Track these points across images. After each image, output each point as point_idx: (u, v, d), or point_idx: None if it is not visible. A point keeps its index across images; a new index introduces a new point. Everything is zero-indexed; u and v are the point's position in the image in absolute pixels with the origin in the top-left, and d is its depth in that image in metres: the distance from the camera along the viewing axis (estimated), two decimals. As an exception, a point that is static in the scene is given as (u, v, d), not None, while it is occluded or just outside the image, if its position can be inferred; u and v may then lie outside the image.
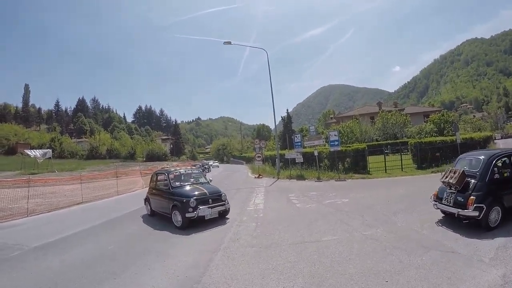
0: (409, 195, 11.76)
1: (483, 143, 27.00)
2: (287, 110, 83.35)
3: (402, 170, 19.64)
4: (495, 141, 45.72)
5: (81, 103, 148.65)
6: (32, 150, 51.40)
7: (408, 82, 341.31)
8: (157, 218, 11.08)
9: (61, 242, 8.45)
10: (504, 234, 6.39)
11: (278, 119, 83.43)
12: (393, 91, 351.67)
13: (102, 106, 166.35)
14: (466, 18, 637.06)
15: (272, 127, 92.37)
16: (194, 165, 30.87)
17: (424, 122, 45.84)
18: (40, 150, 53.08)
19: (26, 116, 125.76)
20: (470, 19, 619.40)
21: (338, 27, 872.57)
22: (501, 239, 6.14)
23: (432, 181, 14.85)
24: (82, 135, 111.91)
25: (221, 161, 73.61)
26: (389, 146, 32.96)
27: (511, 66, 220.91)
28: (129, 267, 6.21)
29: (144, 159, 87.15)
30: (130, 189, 21.29)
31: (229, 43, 24.00)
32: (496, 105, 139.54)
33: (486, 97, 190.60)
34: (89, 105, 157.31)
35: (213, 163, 59.58)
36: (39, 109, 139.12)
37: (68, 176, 25.52)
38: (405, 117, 44.52)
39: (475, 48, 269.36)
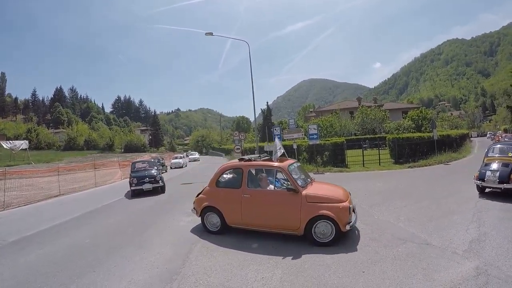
0: (386, 189, 12.03)
1: (460, 141, 27.93)
2: (267, 103, 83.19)
3: (379, 164, 20.05)
4: (471, 139, 47.35)
5: (58, 93, 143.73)
6: (7, 142, 49.82)
7: (388, 78, 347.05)
8: (136, 210, 11.02)
9: (39, 236, 8.24)
10: (478, 228, 6.65)
11: (258, 112, 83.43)
12: (373, 87, 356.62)
13: (80, 96, 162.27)
14: (447, 19, 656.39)
15: (251, 119, 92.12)
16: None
17: (403, 118, 46.48)
18: (16, 141, 51.57)
19: (2, 106, 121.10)
20: (450, 21, 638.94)
21: (321, 23, 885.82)
22: (474, 233, 6.38)
23: (408, 175, 15.33)
24: (60, 125, 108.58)
25: (200, 152, 72.14)
26: (367, 140, 33.52)
27: (490, 67, 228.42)
28: (108, 260, 6.12)
29: (123, 150, 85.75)
30: (108, 180, 20.98)
31: (211, 34, 23.74)
32: (474, 104, 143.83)
33: (464, 96, 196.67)
34: (67, 94, 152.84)
35: (190, 155, 51.22)
36: (16, 98, 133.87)
37: (45, 168, 24.87)
38: (384, 113, 45.23)
39: (455, 48, 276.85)
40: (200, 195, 7.65)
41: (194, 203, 7.74)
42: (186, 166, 36.89)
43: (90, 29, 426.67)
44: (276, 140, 8.58)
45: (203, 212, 7.42)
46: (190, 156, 49.78)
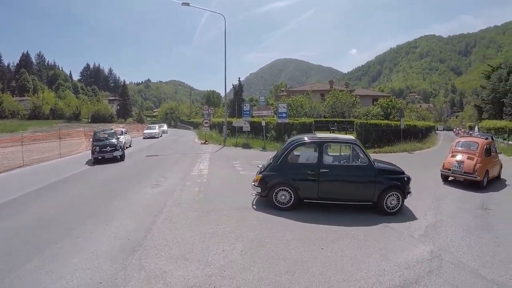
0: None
1: (425, 132, 29.09)
2: (239, 78, 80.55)
3: (345, 147, 20.54)
4: (436, 131, 49.40)
5: (25, 59, 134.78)
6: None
7: (362, 65, 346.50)
8: (101, 181, 10.81)
9: (1, 208, 7.87)
10: (435, 215, 7.08)
11: (230, 87, 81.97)
12: (346, 72, 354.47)
13: (48, 62, 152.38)
14: (428, 15, 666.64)
15: (222, 94, 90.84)
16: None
17: (372, 105, 47.21)
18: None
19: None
20: (431, 17, 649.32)
21: (301, 3, 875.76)
22: (431, 218, 6.80)
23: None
24: (25, 93, 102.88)
25: (169, 125, 70.35)
26: (336, 123, 34.23)
27: (463, 66, 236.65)
28: (71, 232, 5.99)
29: (90, 120, 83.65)
30: (74, 151, 20.43)
31: (187, 4, 23.45)
32: (443, 99, 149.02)
33: (435, 91, 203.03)
34: (34, 60, 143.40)
35: (146, 130, 38.32)
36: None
37: (8, 137, 23.76)
38: (354, 98, 45.32)
39: (431, 44, 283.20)
40: None
41: None
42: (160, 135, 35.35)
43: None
44: (476, 127, 11.47)
45: None
46: (146, 131, 37.46)
